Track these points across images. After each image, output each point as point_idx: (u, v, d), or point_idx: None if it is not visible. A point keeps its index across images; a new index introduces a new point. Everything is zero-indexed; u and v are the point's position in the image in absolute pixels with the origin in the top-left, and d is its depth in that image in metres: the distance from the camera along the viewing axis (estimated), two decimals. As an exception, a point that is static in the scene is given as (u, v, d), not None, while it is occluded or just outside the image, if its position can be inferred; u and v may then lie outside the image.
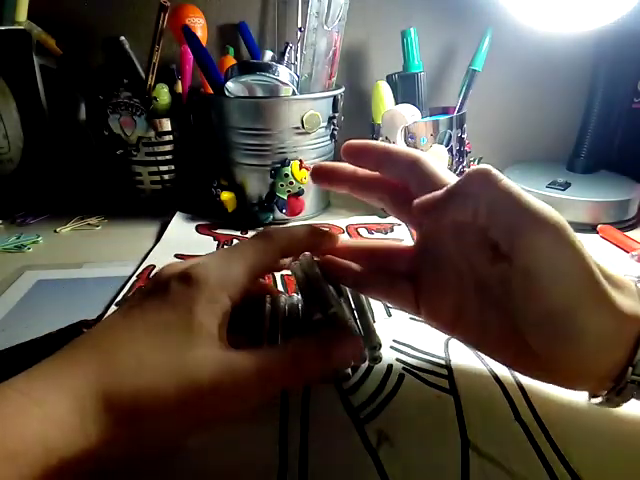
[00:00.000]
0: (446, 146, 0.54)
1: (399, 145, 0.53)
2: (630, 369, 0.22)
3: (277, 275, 0.43)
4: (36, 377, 0.20)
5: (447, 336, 0.32)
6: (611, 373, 0.22)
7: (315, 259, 0.30)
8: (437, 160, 0.27)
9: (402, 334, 0.33)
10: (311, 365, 0.24)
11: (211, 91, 0.54)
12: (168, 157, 0.58)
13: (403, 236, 0.51)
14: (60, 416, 0.19)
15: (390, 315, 0.36)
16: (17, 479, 0.17)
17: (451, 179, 0.25)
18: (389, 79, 0.59)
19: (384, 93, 0.56)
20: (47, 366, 0.21)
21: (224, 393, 0.22)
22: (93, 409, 0.19)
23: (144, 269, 0.44)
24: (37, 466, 0.18)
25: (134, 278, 0.43)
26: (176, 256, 0.47)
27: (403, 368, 0.30)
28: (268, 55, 0.61)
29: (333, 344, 0.25)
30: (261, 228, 0.55)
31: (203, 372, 0.21)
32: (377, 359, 0.27)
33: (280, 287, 0.41)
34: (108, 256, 0.48)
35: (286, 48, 0.58)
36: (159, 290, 0.24)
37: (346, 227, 0.54)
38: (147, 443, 0.21)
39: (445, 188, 0.24)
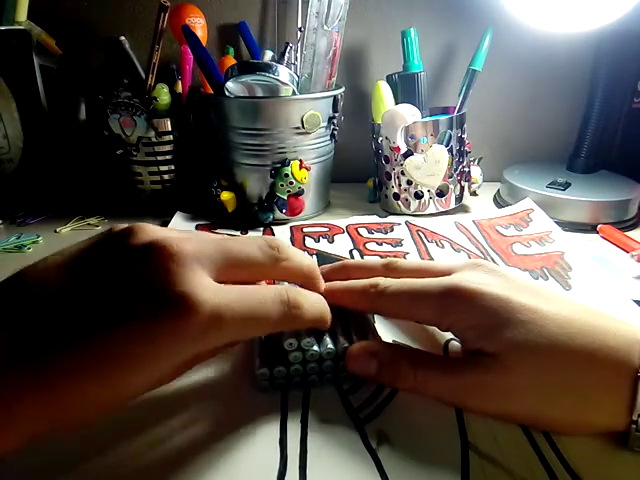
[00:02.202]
0: (446, 146, 0.54)
1: (399, 144, 0.54)
2: (633, 427, 0.23)
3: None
4: None
5: (447, 337, 0.32)
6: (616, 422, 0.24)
7: None
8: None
9: (402, 334, 0.33)
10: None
11: (211, 91, 0.54)
12: (168, 157, 0.58)
13: (403, 236, 0.51)
14: None
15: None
16: None
17: None
18: (389, 79, 0.59)
19: (384, 93, 0.56)
20: None
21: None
22: None
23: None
24: None
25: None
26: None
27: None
28: (268, 55, 0.61)
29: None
30: (261, 228, 0.55)
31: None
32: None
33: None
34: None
35: (286, 48, 0.58)
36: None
37: (346, 227, 0.54)
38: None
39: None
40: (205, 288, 0.21)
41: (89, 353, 0.19)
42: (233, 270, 0.24)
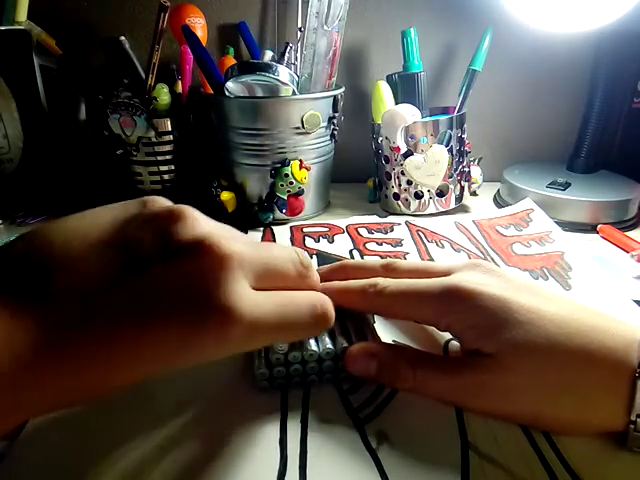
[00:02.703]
0: (446, 146, 0.54)
1: (399, 144, 0.54)
2: (632, 427, 0.23)
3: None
4: None
5: (447, 337, 0.32)
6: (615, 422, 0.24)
7: None
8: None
9: (402, 334, 0.33)
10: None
11: (211, 91, 0.54)
12: (168, 157, 0.58)
13: (403, 236, 0.51)
14: None
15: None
16: None
17: None
18: (389, 79, 0.59)
19: (384, 93, 0.56)
20: None
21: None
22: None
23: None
24: None
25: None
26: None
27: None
28: (268, 55, 0.61)
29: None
30: (261, 228, 0.55)
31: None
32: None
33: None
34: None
35: (286, 48, 0.58)
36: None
37: (346, 227, 0.54)
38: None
39: None
40: (247, 299, 0.21)
41: (121, 344, 0.19)
42: (267, 280, 0.24)
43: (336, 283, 0.30)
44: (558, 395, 0.24)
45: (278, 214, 0.55)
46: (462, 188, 0.58)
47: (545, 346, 0.24)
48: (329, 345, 0.28)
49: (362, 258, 0.46)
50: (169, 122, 0.56)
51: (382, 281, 0.29)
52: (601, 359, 0.24)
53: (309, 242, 0.50)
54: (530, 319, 0.25)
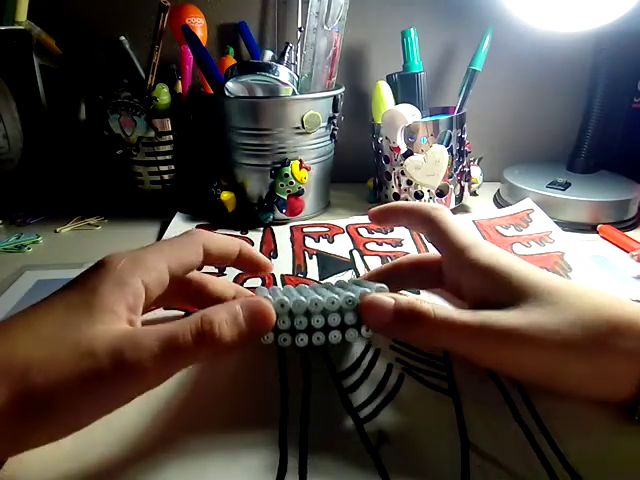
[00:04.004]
0: (446, 146, 0.54)
1: (399, 144, 0.54)
2: None
3: (277, 276, 0.43)
4: None
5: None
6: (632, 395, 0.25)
7: None
8: (447, 215, 0.32)
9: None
10: (221, 334, 0.22)
11: (211, 91, 0.54)
12: (168, 157, 0.58)
13: (403, 235, 0.51)
14: None
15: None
16: None
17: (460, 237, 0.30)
18: (389, 79, 0.59)
19: (384, 93, 0.56)
20: None
21: (126, 367, 0.20)
22: None
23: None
24: None
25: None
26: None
27: (403, 368, 0.30)
28: (268, 55, 0.61)
29: (244, 312, 0.24)
30: (261, 228, 0.55)
31: (100, 344, 0.21)
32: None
33: (279, 285, 0.41)
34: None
35: (286, 48, 0.58)
36: (73, 279, 0.24)
37: (346, 227, 0.54)
38: (45, 421, 0.20)
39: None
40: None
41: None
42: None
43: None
44: (576, 354, 0.24)
45: (278, 214, 0.55)
46: (462, 188, 0.58)
47: (571, 305, 0.25)
48: (335, 296, 0.26)
49: (362, 258, 0.46)
50: (169, 122, 0.56)
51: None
52: (625, 330, 0.24)
53: (309, 242, 0.50)
54: (561, 281, 0.27)
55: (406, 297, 0.26)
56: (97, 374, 0.20)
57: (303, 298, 0.26)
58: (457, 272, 0.30)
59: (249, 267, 0.32)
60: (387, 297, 0.26)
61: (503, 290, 0.27)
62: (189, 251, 0.27)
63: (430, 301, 0.26)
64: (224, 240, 0.30)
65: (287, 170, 0.53)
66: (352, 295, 0.26)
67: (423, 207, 0.32)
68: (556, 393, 0.26)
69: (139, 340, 0.21)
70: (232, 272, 0.43)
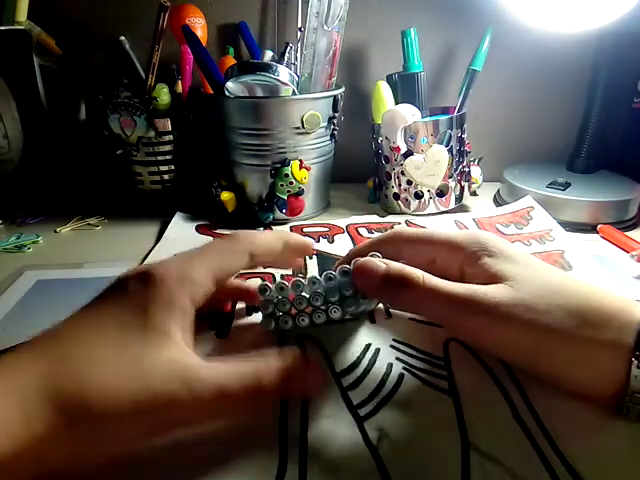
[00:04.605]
0: (446, 146, 0.54)
1: (399, 144, 0.54)
2: (627, 398, 0.24)
3: (277, 275, 0.43)
4: None
5: (447, 337, 0.32)
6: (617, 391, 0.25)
7: None
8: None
9: (402, 334, 0.33)
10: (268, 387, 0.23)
11: (211, 91, 0.54)
12: (168, 157, 0.58)
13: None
14: (3, 413, 0.18)
15: (390, 316, 0.36)
16: None
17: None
18: (389, 79, 0.59)
19: (384, 93, 0.56)
20: None
21: (181, 404, 0.21)
22: (40, 406, 0.19)
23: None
24: None
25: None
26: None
27: (403, 367, 0.30)
28: (268, 55, 0.61)
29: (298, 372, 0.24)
30: (261, 228, 0.55)
31: (156, 378, 0.20)
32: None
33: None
34: (108, 256, 0.48)
35: (286, 48, 0.58)
36: (117, 290, 0.24)
37: (346, 227, 0.54)
38: (99, 446, 0.20)
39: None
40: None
41: None
42: None
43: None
44: (561, 338, 0.25)
45: (278, 214, 0.55)
46: (462, 188, 0.58)
47: (557, 284, 0.26)
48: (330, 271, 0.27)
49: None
50: (169, 122, 0.56)
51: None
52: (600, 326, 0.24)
53: (309, 242, 0.50)
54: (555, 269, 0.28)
55: (398, 263, 0.27)
56: (153, 409, 0.20)
57: (302, 279, 0.27)
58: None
59: (293, 258, 0.33)
60: (379, 261, 0.27)
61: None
62: (235, 260, 0.27)
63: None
64: (268, 241, 0.29)
65: (287, 170, 0.53)
66: (347, 266, 0.27)
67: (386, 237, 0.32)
68: (542, 379, 0.27)
69: (194, 384, 0.21)
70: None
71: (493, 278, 0.27)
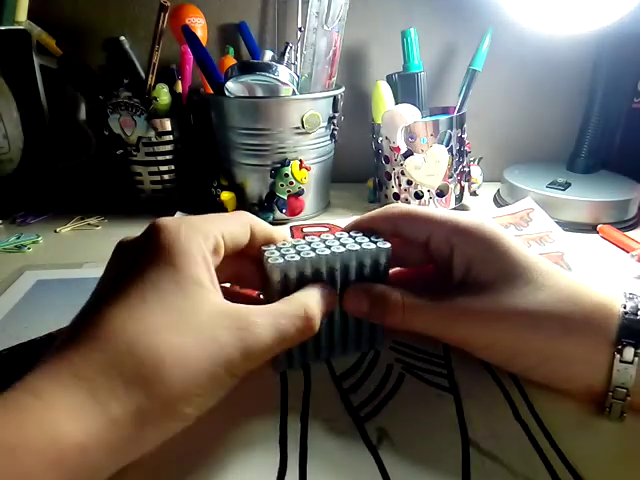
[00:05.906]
0: (446, 146, 0.54)
1: (399, 144, 0.54)
2: (610, 394, 0.25)
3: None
4: (41, 376, 0.19)
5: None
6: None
7: None
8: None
9: (402, 334, 0.33)
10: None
11: (211, 91, 0.54)
12: (168, 157, 0.58)
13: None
14: (76, 402, 0.18)
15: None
16: None
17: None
18: (389, 79, 0.59)
19: (384, 93, 0.56)
20: (49, 364, 0.19)
21: (250, 354, 0.21)
22: (107, 384, 0.18)
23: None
24: (71, 465, 0.17)
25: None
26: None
27: (403, 368, 0.30)
28: (268, 55, 0.61)
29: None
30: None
31: (219, 325, 0.21)
32: None
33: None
34: (108, 256, 0.48)
35: (286, 48, 0.58)
36: (131, 254, 0.23)
37: (346, 227, 0.54)
38: (169, 421, 0.20)
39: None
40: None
41: None
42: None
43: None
44: (543, 322, 0.25)
45: (278, 214, 0.55)
46: (462, 188, 0.58)
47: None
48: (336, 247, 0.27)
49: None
50: (169, 122, 0.56)
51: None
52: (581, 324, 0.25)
53: (309, 242, 0.50)
54: (547, 263, 0.27)
55: (380, 287, 0.28)
56: (227, 363, 0.21)
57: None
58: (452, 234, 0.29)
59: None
60: (365, 287, 0.28)
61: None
62: (239, 228, 0.26)
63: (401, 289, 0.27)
64: (268, 226, 0.29)
65: (287, 170, 0.53)
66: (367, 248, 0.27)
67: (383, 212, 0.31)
68: (516, 373, 0.28)
69: (254, 327, 0.22)
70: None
71: (483, 270, 0.27)
